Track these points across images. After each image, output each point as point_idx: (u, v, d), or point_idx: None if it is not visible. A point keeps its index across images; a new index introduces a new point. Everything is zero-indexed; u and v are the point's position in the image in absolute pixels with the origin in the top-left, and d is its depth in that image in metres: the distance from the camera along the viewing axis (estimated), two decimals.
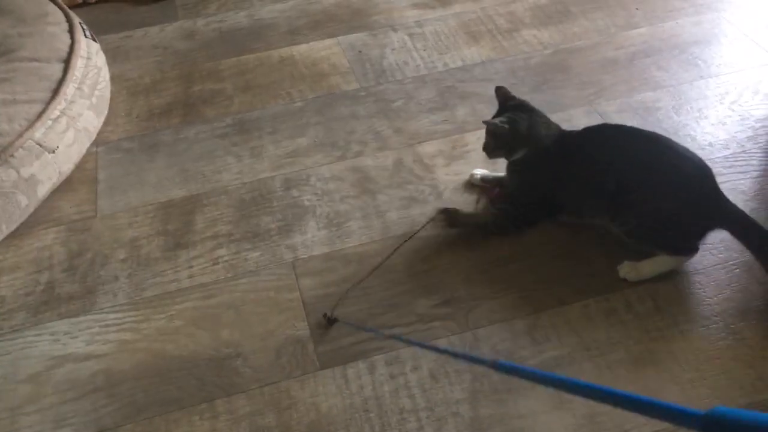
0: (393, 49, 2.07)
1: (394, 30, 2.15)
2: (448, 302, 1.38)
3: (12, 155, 1.55)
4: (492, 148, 1.51)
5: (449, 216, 1.51)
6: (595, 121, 1.74)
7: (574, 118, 1.76)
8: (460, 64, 1.99)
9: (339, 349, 1.32)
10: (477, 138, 1.71)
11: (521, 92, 1.84)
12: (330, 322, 1.35)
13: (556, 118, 1.74)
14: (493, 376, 1.24)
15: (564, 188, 1.43)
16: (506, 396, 1.21)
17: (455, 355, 1.24)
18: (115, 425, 1.23)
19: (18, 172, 1.56)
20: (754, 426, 0.45)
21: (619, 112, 1.78)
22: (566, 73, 1.92)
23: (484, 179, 1.61)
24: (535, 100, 1.79)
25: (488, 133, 1.50)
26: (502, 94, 1.54)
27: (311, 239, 1.53)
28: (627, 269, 1.38)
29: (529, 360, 1.26)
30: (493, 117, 1.51)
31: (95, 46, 1.97)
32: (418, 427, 1.18)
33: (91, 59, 1.89)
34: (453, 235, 1.51)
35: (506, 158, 1.51)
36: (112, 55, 2.12)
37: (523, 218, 1.48)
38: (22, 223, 1.61)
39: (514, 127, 1.44)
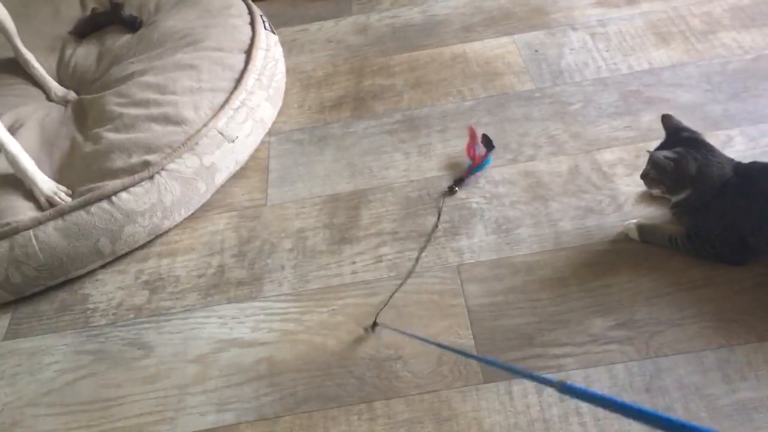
0: (572, 49, 1.96)
1: (574, 29, 2.03)
2: (626, 324, 1.27)
3: (197, 143, 1.61)
4: (650, 180, 1.37)
5: (643, 229, 1.39)
6: None
7: None
8: (646, 66, 1.84)
9: None
10: None
11: (717, 100, 1.69)
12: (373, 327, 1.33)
13: (757, 131, 1.59)
14: (678, 410, 1.12)
15: (749, 225, 1.26)
16: None
17: (517, 373, 1.05)
18: (275, 415, 1.24)
19: (200, 160, 1.61)
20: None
21: None
22: None
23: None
24: (733, 110, 1.65)
25: (651, 163, 1.35)
26: (670, 123, 1.38)
27: (478, 244, 1.47)
28: None
29: (720, 399, 1.12)
30: (660, 146, 1.37)
31: (274, 38, 2.02)
32: None
33: (270, 51, 1.94)
34: (632, 250, 1.39)
35: (666, 195, 1.37)
36: (288, 48, 2.16)
37: (712, 255, 1.33)
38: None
39: (682, 164, 1.28)
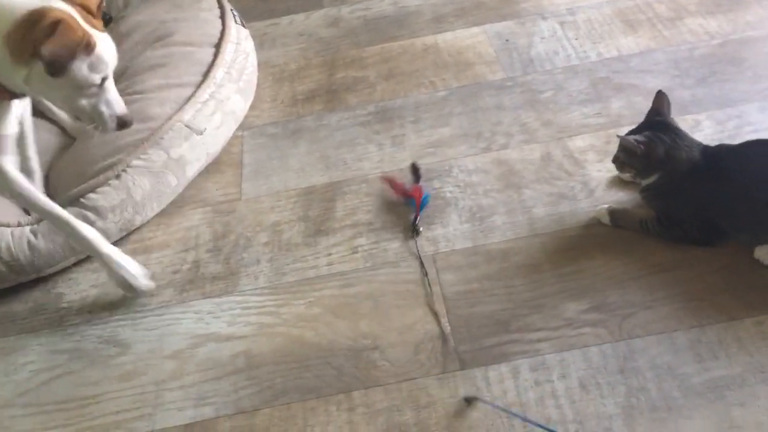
0: (542, 38, 1.97)
1: (544, 18, 2.05)
2: (599, 308, 1.28)
3: (162, 137, 1.61)
4: (621, 163, 1.39)
5: (614, 214, 1.41)
6: None
7: (745, 114, 1.60)
8: (615, 54, 1.86)
9: (480, 350, 1.25)
10: None
11: (685, 85, 1.71)
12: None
13: (724, 114, 1.62)
14: (651, 390, 1.13)
15: (717, 208, 1.29)
16: (666, 415, 1.11)
17: (528, 421, 1.01)
18: (254, 408, 1.24)
19: (168, 153, 1.61)
20: None
21: None
22: (737, 65, 1.75)
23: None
24: (701, 95, 1.68)
25: (621, 148, 1.38)
26: (656, 104, 1.39)
27: (453, 233, 1.48)
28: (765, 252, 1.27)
29: (692, 378, 1.14)
30: (632, 131, 1.39)
31: (244, 32, 2.01)
32: None
33: (240, 45, 1.93)
34: (604, 235, 1.41)
35: (636, 180, 1.40)
36: (259, 42, 2.15)
37: (682, 237, 1.34)
38: (171, 203, 1.65)
39: (651, 148, 1.31)
